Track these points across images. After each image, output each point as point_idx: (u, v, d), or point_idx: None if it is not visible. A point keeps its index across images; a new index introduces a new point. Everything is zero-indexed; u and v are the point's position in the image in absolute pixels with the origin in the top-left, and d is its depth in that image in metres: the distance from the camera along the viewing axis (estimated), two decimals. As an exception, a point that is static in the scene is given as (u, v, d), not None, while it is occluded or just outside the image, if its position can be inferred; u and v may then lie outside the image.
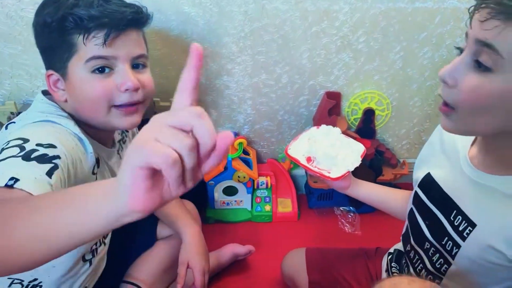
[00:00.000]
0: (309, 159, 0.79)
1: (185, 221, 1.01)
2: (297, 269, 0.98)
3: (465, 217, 0.62)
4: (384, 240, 0.96)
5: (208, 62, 1.25)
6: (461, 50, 0.54)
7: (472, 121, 0.54)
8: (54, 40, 0.69)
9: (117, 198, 0.37)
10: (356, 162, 0.79)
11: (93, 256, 0.83)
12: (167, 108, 1.27)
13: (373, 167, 1.39)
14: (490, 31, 0.48)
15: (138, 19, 0.73)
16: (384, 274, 0.85)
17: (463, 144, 0.66)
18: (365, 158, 1.33)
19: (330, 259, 0.96)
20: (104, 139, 0.81)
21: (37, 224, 0.40)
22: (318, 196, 1.41)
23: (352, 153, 0.81)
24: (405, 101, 1.36)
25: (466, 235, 0.61)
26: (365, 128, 1.37)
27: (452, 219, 0.64)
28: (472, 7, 0.51)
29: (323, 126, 0.85)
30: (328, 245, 1.27)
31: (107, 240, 0.90)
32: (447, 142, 0.70)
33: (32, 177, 0.55)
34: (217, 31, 1.19)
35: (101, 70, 0.69)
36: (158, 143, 0.32)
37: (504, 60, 0.48)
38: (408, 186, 0.84)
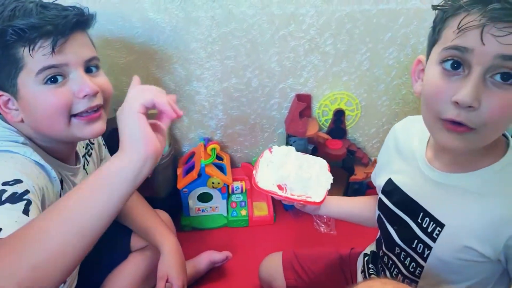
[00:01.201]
0: (280, 187, 0.75)
1: (162, 233, 0.99)
2: (274, 274, 0.98)
3: (433, 218, 0.63)
4: (359, 239, 0.97)
5: (177, 68, 1.23)
6: (454, 66, 0.51)
7: (493, 137, 0.54)
8: None
9: (133, 151, 0.47)
10: (330, 178, 0.77)
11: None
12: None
13: (345, 167, 1.41)
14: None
15: (82, 21, 0.69)
16: (359, 275, 0.86)
17: (419, 145, 0.66)
18: (337, 158, 1.36)
19: (306, 262, 0.96)
20: (67, 156, 0.77)
21: (69, 219, 0.47)
22: (293, 198, 1.41)
23: (320, 170, 0.79)
24: (373, 101, 1.38)
25: (436, 236, 0.62)
26: (336, 129, 1.39)
27: (420, 221, 0.65)
28: (478, 21, 0.48)
29: (276, 148, 0.81)
30: (305, 246, 1.28)
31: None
32: (403, 145, 0.71)
33: (12, 221, 0.54)
34: (184, 37, 1.17)
35: (53, 80, 0.65)
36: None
37: None
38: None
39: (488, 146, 0.56)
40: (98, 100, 0.70)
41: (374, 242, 0.86)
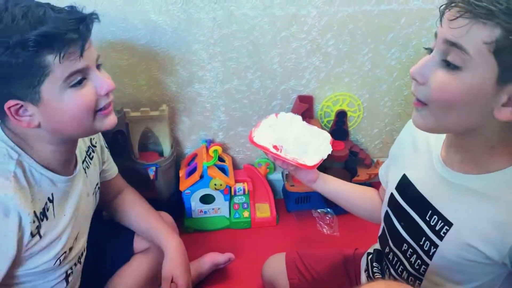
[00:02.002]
0: (275, 148, 0.76)
1: (165, 233, 0.99)
2: (278, 274, 0.98)
3: (441, 217, 0.62)
4: (362, 240, 0.97)
5: (179, 70, 1.23)
6: (430, 50, 0.55)
7: (442, 117, 0.55)
8: (13, 68, 0.61)
9: None
10: (328, 150, 0.77)
11: (70, 275, 0.83)
12: (137, 118, 1.25)
13: (348, 168, 1.41)
14: (458, 30, 0.49)
15: (93, 22, 0.70)
16: (363, 275, 0.85)
17: (435, 143, 0.66)
18: (339, 160, 1.36)
19: (310, 263, 0.96)
20: (64, 163, 0.77)
21: None
22: (295, 200, 1.41)
23: (322, 141, 0.78)
24: (375, 102, 1.38)
25: (443, 234, 0.62)
26: (338, 130, 1.38)
27: (428, 219, 0.65)
28: (443, 6, 0.52)
29: (282, 113, 0.81)
30: (308, 248, 1.28)
31: (82, 259, 0.88)
32: (420, 142, 0.71)
33: None
34: (186, 38, 1.17)
35: (79, 82, 0.67)
36: None
37: (471, 58, 0.49)
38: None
39: (504, 148, 0.56)
40: (112, 95, 0.73)
41: (378, 240, 0.86)
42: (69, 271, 0.82)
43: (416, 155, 0.71)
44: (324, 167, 1.39)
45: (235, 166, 1.47)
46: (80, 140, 0.84)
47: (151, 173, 1.27)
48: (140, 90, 1.25)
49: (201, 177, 1.27)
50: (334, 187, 0.87)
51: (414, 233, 0.68)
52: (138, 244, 1.05)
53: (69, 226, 0.78)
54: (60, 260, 0.77)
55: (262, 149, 0.76)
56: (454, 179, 0.61)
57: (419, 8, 1.20)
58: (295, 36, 1.21)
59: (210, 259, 1.18)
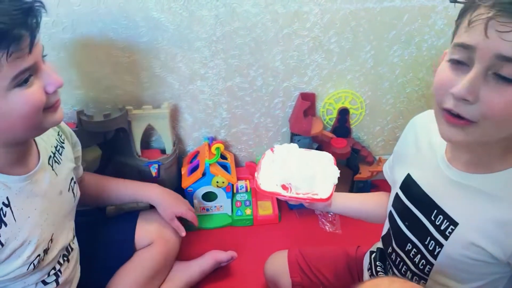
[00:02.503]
0: (284, 187, 0.73)
1: (144, 188, 1.09)
2: (280, 272, 0.98)
3: (447, 216, 0.62)
4: (365, 238, 0.96)
5: (181, 67, 1.23)
6: (455, 62, 0.52)
7: (495, 133, 0.53)
8: None
9: None
10: (336, 172, 0.75)
11: (58, 276, 0.80)
12: (139, 116, 1.25)
13: (350, 165, 1.41)
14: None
15: (41, 14, 0.62)
16: (366, 273, 0.85)
17: (440, 143, 0.66)
18: (341, 157, 1.36)
19: (312, 260, 0.96)
20: (16, 161, 0.71)
21: None
22: (297, 197, 1.41)
23: (326, 165, 0.76)
24: (378, 99, 1.38)
25: (448, 234, 0.62)
26: (340, 127, 1.38)
27: (433, 218, 0.64)
28: (484, 14, 0.47)
29: (277, 147, 0.79)
30: (310, 246, 1.28)
31: (72, 256, 0.86)
32: (422, 141, 0.70)
33: None
34: (188, 36, 1.17)
35: (26, 80, 0.60)
36: None
37: None
38: (385, 183, 0.85)
39: (510, 148, 0.56)
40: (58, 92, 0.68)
41: (380, 240, 0.86)
42: (52, 272, 0.79)
43: (420, 155, 0.70)
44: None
45: (237, 164, 1.47)
46: (47, 137, 0.80)
47: (154, 170, 1.27)
48: (142, 87, 1.25)
49: (204, 174, 1.27)
50: (343, 206, 0.86)
51: (418, 233, 0.67)
52: (140, 241, 1.06)
53: (38, 229, 0.72)
54: (34, 264, 0.72)
55: (273, 195, 0.74)
56: (460, 178, 0.61)
57: (421, 5, 1.20)
58: (297, 33, 1.20)
59: (212, 257, 1.18)
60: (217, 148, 1.31)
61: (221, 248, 1.21)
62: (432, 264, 0.65)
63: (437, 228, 0.64)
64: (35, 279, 0.76)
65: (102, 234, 1.04)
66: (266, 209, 1.39)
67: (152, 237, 1.06)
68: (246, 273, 1.21)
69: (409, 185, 0.70)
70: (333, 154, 1.32)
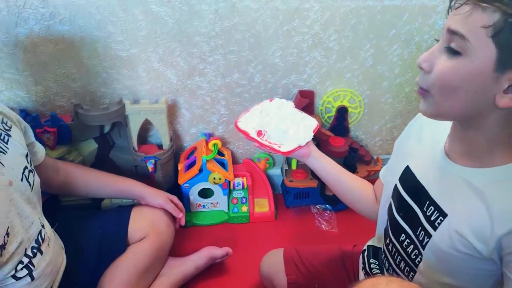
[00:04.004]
0: (259, 133, 0.78)
1: (129, 185, 1.11)
2: (276, 270, 0.97)
3: (437, 207, 0.63)
4: (361, 237, 0.96)
5: (179, 62, 1.22)
6: (436, 40, 0.57)
7: (443, 102, 0.56)
8: None
9: None
10: (308, 137, 0.79)
11: (30, 270, 0.78)
12: (137, 110, 1.24)
13: (347, 164, 1.40)
14: (460, 17, 0.51)
15: None
16: (361, 273, 0.85)
17: (441, 136, 0.67)
18: (339, 156, 1.35)
19: (308, 259, 0.95)
20: None
21: None
22: (294, 195, 1.40)
23: (304, 128, 0.80)
24: (376, 98, 1.38)
25: (437, 225, 0.62)
26: (338, 126, 1.38)
27: (425, 209, 0.65)
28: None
29: (276, 99, 0.83)
30: (306, 244, 1.27)
31: (47, 246, 0.83)
32: (426, 134, 0.71)
33: None
34: (187, 30, 1.16)
35: None
36: None
37: (471, 44, 0.50)
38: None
39: (506, 141, 0.56)
40: None
41: (372, 238, 0.85)
42: (20, 266, 0.76)
43: (421, 147, 0.71)
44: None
45: (235, 161, 1.47)
46: None
47: (150, 165, 1.26)
48: (140, 81, 1.24)
49: (200, 170, 1.27)
50: (327, 166, 0.86)
51: (411, 223, 0.68)
52: (133, 235, 1.05)
53: None
54: None
55: (242, 132, 0.78)
56: (453, 170, 0.62)
57: (422, 4, 1.20)
58: (297, 30, 1.20)
59: (207, 253, 1.17)
60: (215, 145, 1.30)
61: (217, 245, 1.21)
62: (422, 255, 0.66)
63: (428, 218, 0.64)
64: (1, 276, 0.73)
65: (95, 228, 1.03)
66: (263, 206, 1.39)
67: (145, 231, 1.05)
68: (241, 270, 1.20)
69: (407, 176, 0.71)
70: (331, 152, 1.33)
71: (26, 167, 0.81)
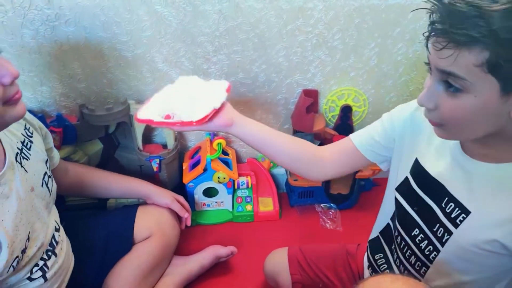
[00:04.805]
0: (168, 117, 0.69)
1: (138, 185, 1.12)
2: (280, 269, 0.98)
3: (459, 204, 0.62)
4: (365, 236, 0.96)
5: (184, 62, 1.23)
6: (430, 67, 0.56)
7: (461, 133, 0.57)
8: None
9: None
10: (222, 97, 0.71)
11: (44, 272, 0.79)
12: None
13: (352, 163, 1.40)
14: (447, 59, 0.50)
15: None
16: (366, 272, 0.85)
17: None
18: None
19: (312, 258, 0.96)
20: None
21: None
22: (298, 194, 1.41)
23: (215, 92, 0.72)
24: (381, 97, 1.37)
25: (459, 222, 0.62)
26: (343, 125, 1.38)
27: (444, 206, 0.64)
28: (426, 33, 0.52)
29: (180, 78, 0.76)
30: (310, 243, 1.28)
31: (59, 249, 0.85)
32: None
33: None
34: (191, 30, 1.17)
35: None
36: None
37: (469, 82, 0.50)
38: (387, 181, 0.84)
39: None
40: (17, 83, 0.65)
41: (372, 231, 0.85)
42: (35, 269, 0.77)
43: (430, 141, 0.69)
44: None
45: (239, 160, 1.47)
46: (11, 133, 0.77)
47: (155, 165, 1.27)
48: (144, 82, 1.25)
49: (205, 170, 1.27)
50: (254, 131, 0.77)
51: (427, 219, 0.67)
52: (139, 234, 1.06)
53: (11, 231, 0.69)
54: (13, 266, 0.70)
55: (145, 122, 0.70)
56: (473, 167, 0.61)
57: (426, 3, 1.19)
58: (301, 29, 1.20)
59: (212, 252, 1.18)
60: (219, 144, 1.30)
61: (221, 244, 1.21)
62: (438, 251, 0.65)
63: (448, 215, 0.63)
64: (17, 278, 0.74)
65: (101, 227, 1.04)
66: (267, 205, 1.39)
67: (150, 230, 1.06)
68: (246, 269, 1.21)
69: (418, 170, 0.70)
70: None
71: (45, 173, 0.84)
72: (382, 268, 0.80)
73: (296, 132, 1.36)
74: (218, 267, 1.20)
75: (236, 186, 1.39)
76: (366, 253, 0.88)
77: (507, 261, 0.60)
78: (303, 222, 1.38)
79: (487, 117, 0.53)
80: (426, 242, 0.68)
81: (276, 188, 1.44)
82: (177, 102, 0.71)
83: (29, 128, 0.84)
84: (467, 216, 0.61)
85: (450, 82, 0.52)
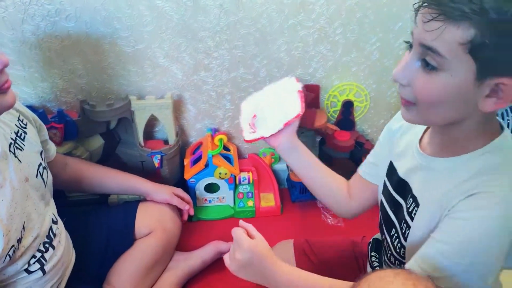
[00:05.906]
0: (254, 116, 0.77)
1: (137, 182, 1.12)
2: (286, 260, 0.97)
3: (414, 198, 0.65)
4: (367, 231, 0.96)
5: (185, 57, 1.22)
6: (410, 44, 0.56)
7: (429, 113, 0.57)
8: None
9: None
10: (275, 128, 0.74)
11: (42, 264, 0.79)
12: (143, 106, 1.24)
13: (353, 158, 1.40)
14: (432, 33, 0.49)
15: None
16: (368, 265, 0.85)
17: (419, 131, 0.69)
18: (345, 150, 1.35)
19: (318, 249, 0.96)
20: None
21: None
22: (300, 190, 1.40)
23: (280, 116, 0.75)
24: (382, 92, 1.37)
25: (413, 215, 0.64)
26: (344, 120, 1.37)
27: (407, 202, 0.67)
28: (416, 5, 0.53)
29: (286, 78, 0.79)
30: (313, 238, 1.27)
31: (58, 242, 0.84)
32: (408, 129, 0.72)
33: None
34: (192, 25, 1.16)
35: None
36: None
37: (448, 60, 0.50)
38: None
39: (481, 132, 0.57)
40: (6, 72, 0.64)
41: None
42: (33, 260, 0.77)
43: (401, 142, 0.72)
44: (330, 157, 1.38)
45: (240, 155, 1.47)
46: (4, 123, 0.77)
47: (156, 161, 1.27)
48: (145, 77, 1.25)
49: (206, 165, 1.27)
50: (298, 160, 0.81)
51: (400, 218, 0.69)
52: (140, 230, 1.06)
53: (5, 220, 0.69)
54: (9, 255, 0.70)
55: (257, 140, 0.76)
56: (426, 162, 0.63)
57: (429, -4, 1.18)
58: (302, 24, 1.19)
59: (214, 248, 1.18)
60: (220, 140, 1.30)
61: (223, 239, 1.21)
62: (404, 247, 0.67)
63: (407, 210, 0.66)
64: (15, 270, 0.74)
65: (102, 223, 1.04)
66: (268, 201, 1.39)
67: (151, 226, 1.06)
68: (248, 264, 1.21)
69: (391, 172, 0.73)
70: (337, 147, 1.33)
71: (40, 164, 0.83)
72: (374, 265, 0.81)
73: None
74: (219, 263, 1.20)
75: (237, 182, 1.39)
76: (368, 248, 0.88)
77: None
78: (304, 217, 1.38)
79: (458, 101, 0.53)
80: (397, 240, 0.70)
81: (278, 184, 1.44)
82: (263, 105, 0.76)
83: (22, 119, 0.84)
84: (418, 208, 0.63)
85: (427, 60, 0.52)
